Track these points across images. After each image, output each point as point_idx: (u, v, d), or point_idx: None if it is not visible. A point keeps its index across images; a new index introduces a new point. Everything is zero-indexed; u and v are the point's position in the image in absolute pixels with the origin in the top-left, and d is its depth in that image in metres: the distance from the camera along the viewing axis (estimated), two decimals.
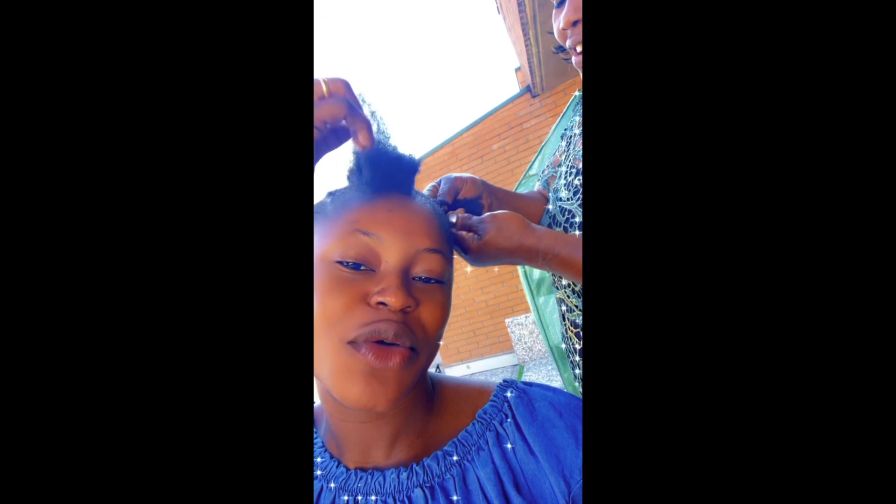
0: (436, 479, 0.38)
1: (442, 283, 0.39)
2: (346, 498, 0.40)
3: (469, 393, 0.44)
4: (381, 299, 0.34)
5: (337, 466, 0.42)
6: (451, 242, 0.44)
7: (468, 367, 4.93)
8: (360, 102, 0.40)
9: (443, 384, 0.45)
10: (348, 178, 0.42)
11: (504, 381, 0.44)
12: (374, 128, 0.40)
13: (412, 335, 0.36)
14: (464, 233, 0.52)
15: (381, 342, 0.34)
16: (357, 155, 0.40)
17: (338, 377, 0.34)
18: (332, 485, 0.40)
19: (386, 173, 0.39)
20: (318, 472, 0.42)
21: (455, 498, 0.37)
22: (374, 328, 0.34)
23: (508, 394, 0.42)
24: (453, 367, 5.04)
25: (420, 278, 0.37)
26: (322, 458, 0.43)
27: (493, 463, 0.38)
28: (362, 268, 0.36)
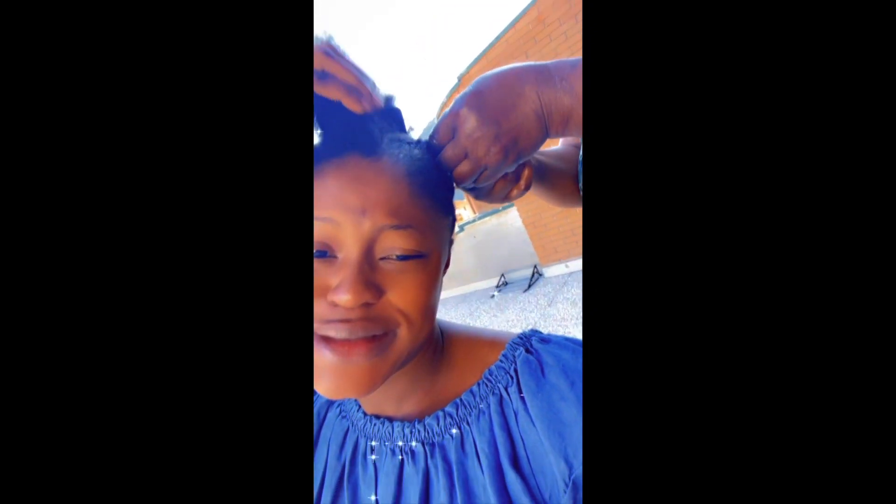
0: (435, 438, 0.37)
1: (421, 256, 0.33)
2: (362, 441, 0.41)
3: (480, 348, 0.41)
4: (333, 298, 0.31)
5: (357, 410, 0.43)
6: (442, 190, 0.37)
7: (566, 265, 5.04)
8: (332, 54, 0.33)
9: (455, 338, 0.42)
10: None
11: (521, 335, 0.41)
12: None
13: (381, 322, 0.32)
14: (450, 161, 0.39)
15: (346, 338, 0.32)
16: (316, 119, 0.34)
17: (317, 373, 0.33)
18: (353, 426, 0.42)
19: (334, 132, 0.33)
20: (343, 414, 0.44)
21: (453, 458, 0.36)
22: (331, 327, 0.32)
23: (518, 353, 0.39)
24: (551, 266, 5.20)
25: (387, 258, 0.33)
26: (348, 401, 0.44)
27: (492, 431, 0.35)
28: (328, 255, 0.32)
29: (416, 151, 0.36)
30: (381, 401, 0.41)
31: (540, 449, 0.34)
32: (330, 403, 0.47)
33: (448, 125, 0.38)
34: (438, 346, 0.42)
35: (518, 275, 5.97)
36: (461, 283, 6.91)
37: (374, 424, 0.40)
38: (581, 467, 0.31)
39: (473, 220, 6.23)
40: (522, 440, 0.34)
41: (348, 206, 0.31)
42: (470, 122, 0.37)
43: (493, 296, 5.74)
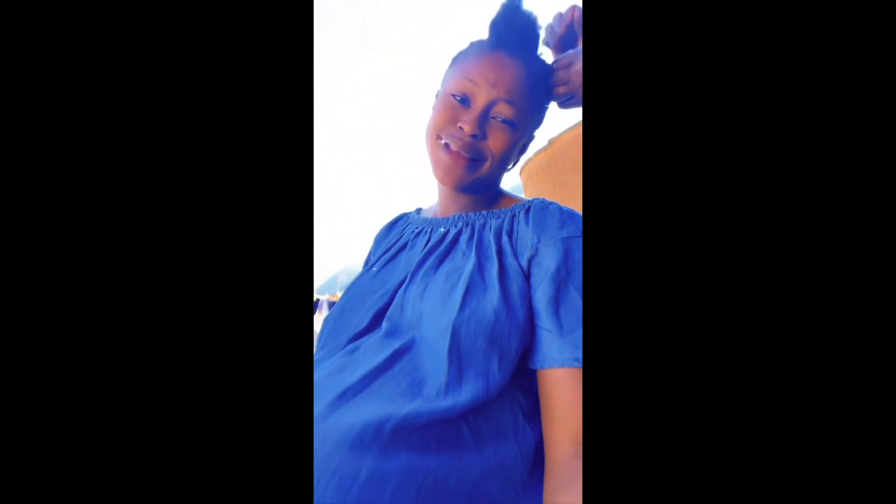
0: (470, 219, 0.57)
1: (510, 124, 0.52)
2: (423, 227, 0.62)
3: (516, 201, 0.58)
4: (460, 123, 0.51)
5: (421, 213, 0.67)
6: (542, 96, 0.56)
7: None
8: None
9: (507, 198, 0.61)
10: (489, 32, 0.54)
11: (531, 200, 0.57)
12: None
13: (478, 151, 0.52)
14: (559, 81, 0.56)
15: (458, 151, 0.52)
16: (493, 21, 0.53)
17: (433, 161, 0.55)
18: (419, 223, 0.64)
19: (499, 36, 0.53)
20: (416, 220, 0.65)
21: (477, 226, 0.56)
22: (452, 140, 0.52)
23: (534, 202, 0.56)
24: None
25: (496, 117, 0.52)
26: (421, 214, 0.67)
27: (503, 224, 0.54)
28: (465, 101, 0.53)
29: (538, 66, 0.56)
30: (447, 209, 0.61)
31: (525, 236, 0.51)
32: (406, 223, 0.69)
33: (568, 60, 0.56)
34: (495, 197, 0.61)
35: None
36: None
37: (434, 220, 0.62)
38: (540, 243, 0.49)
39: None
40: (518, 230, 0.53)
41: (487, 78, 0.51)
42: (578, 65, 0.55)
43: None
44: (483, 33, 0.56)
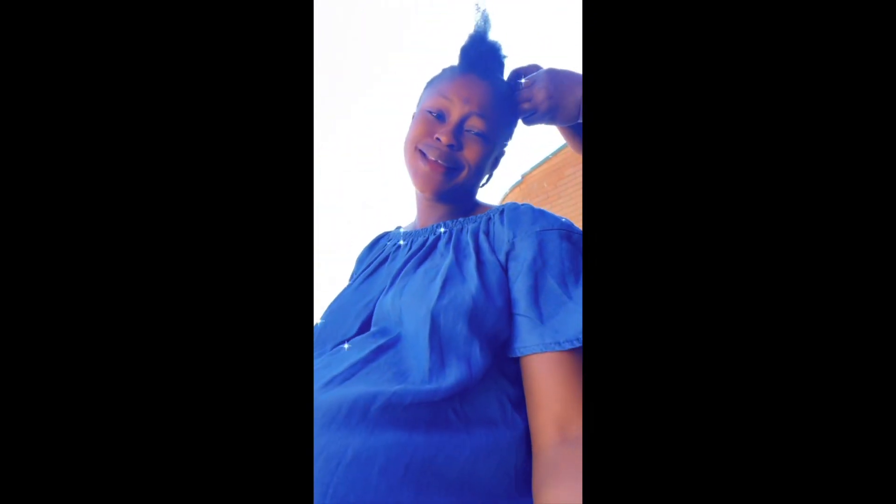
0: (448, 226, 0.59)
1: (482, 137, 0.58)
2: (403, 239, 0.64)
3: (490, 208, 0.61)
4: (437, 134, 0.57)
5: (401, 230, 0.70)
6: (508, 113, 0.63)
7: None
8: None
9: (483, 206, 0.65)
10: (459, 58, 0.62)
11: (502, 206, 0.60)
12: (477, 21, 0.61)
13: (454, 161, 0.57)
14: (523, 99, 0.63)
15: (435, 160, 0.57)
16: (463, 48, 0.61)
17: (412, 171, 0.60)
18: (399, 237, 0.66)
19: (469, 60, 0.60)
20: (396, 235, 0.68)
21: (454, 231, 0.58)
22: (430, 150, 0.57)
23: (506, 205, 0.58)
24: None
25: (469, 130, 0.57)
26: (407, 227, 0.70)
27: (479, 227, 0.57)
28: (441, 117, 0.58)
29: (504, 87, 0.63)
30: (427, 220, 0.64)
31: (501, 234, 0.53)
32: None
33: (531, 80, 0.63)
34: (472, 207, 0.65)
35: None
36: None
37: (413, 231, 0.65)
38: (516, 238, 0.51)
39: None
40: (494, 230, 0.55)
41: (460, 95, 0.58)
42: (542, 84, 0.62)
43: None
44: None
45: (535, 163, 5.52)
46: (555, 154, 5.31)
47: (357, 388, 0.40)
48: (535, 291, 0.47)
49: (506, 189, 6.06)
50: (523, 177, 5.69)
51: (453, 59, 0.63)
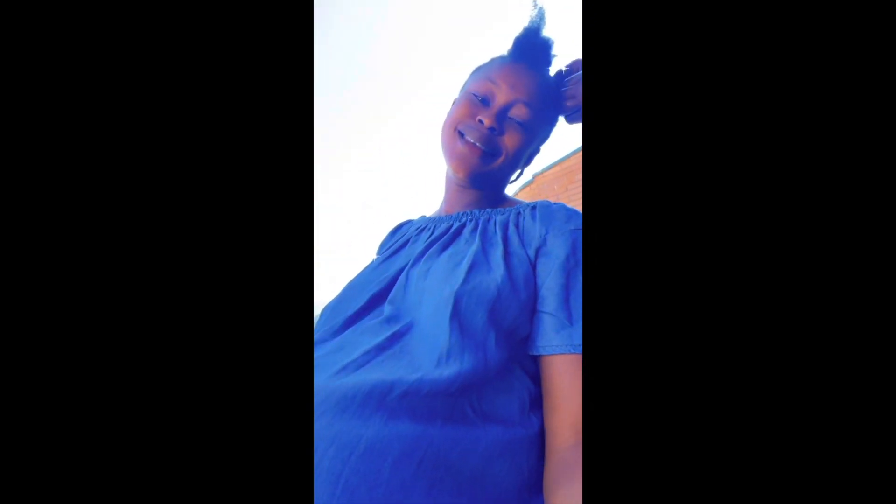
0: (475, 215, 0.59)
1: (522, 125, 0.57)
2: (426, 224, 0.64)
3: (519, 203, 0.61)
4: (479, 117, 0.57)
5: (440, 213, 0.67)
6: (552, 109, 0.62)
7: None
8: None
9: (511, 201, 0.65)
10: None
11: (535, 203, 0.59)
12: (532, 16, 0.60)
13: (493, 145, 0.57)
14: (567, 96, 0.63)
15: (473, 142, 0.57)
16: (517, 38, 0.61)
17: (449, 151, 0.59)
18: (422, 222, 0.66)
19: (521, 51, 0.60)
20: (419, 221, 0.68)
21: (481, 220, 0.57)
22: (470, 131, 0.57)
23: (537, 203, 0.57)
24: None
25: (512, 118, 0.57)
26: (433, 214, 0.68)
27: (509, 218, 0.56)
28: (486, 101, 0.58)
29: (552, 81, 0.62)
30: (453, 206, 0.64)
31: (532, 229, 0.53)
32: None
33: (578, 77, 0.62)
34: (501, 199, 0.65)
35: None
36: None
37: (438, 217, 0.64)
38: (549, 233, 0.51)
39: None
40: (524, 224, 0.54)
41: (508, 81, 0.58)
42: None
43: None
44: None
45: (548, 164, 5.52)
46: (568, 157, 5.31)
47: (373, 376, 0.40)
48: (566, 291, 0.46)
49: (516, 188, 6.07)
50: (534, 177, 5.69)
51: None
